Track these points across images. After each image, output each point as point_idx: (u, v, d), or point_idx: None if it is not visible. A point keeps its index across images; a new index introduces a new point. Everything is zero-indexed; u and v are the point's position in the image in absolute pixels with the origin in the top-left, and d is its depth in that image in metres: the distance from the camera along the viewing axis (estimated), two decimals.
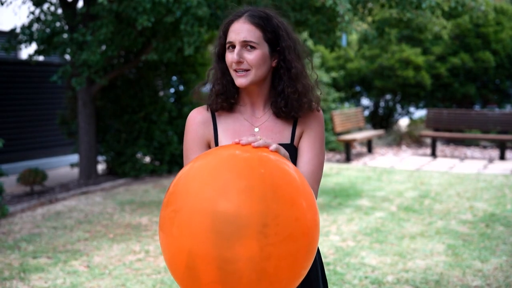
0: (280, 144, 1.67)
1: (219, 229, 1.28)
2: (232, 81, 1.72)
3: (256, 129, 1.74)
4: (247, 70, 1.67)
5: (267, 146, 1.47)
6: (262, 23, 1.68)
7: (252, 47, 1.66)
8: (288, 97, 1.71)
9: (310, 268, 1.75)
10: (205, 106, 1.78)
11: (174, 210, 1.35)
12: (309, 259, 1.39)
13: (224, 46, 1.71)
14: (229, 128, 1.73)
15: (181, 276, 1.36)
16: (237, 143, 1.46)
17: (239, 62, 1.66)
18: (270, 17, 1.70)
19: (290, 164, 1.45)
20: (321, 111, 1.80)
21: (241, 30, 1.66)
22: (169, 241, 1.36)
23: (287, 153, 1.54)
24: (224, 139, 1.72)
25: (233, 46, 1.67)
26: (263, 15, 1.70)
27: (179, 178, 1.41)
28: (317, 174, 1.72)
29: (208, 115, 1.77)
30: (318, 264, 1.81)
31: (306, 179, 1.67)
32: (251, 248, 1.27)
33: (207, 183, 1.33)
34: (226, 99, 1.73)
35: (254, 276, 1.29)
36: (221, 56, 1.74)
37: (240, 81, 1.68)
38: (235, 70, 1.68)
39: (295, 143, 1.75)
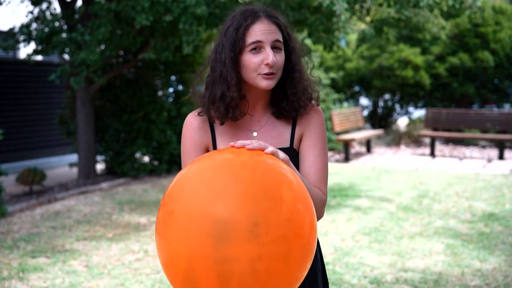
0: (280, 149, 1.61)
1: (211, 231, 1.27)
2: (240, 88, 1.61)
3: (255, 134, 1.69)
4: (273, 73, 1.58)
5: (262, 149, 1.43)
6: (281, 23, 1.61)
7: (279, 49, 1.59)
8: (288, 98, 1.66)
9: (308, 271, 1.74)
10: (199, 110, 1.70)
11: (168, 212, 1.34)
12: (305, 261, 1.36)
13: (241, 50, 1.57)
14: (227, 133, 1.68)
15: (177, 279, 1.35)
16: (232, 147, 1.44)
17: (273, 65, 1.56)
18: (280, 17, 1.64)
19: (287, 168, 1.43)
20: (319, 109, 1.73)
21: (270, 30, 1.56)
22: (163, 244, 1.35)
23: (286, 157, 1.50)
24: (222, 144, 1.68)
25: (259, 48, 1.56)
26: (277, 14, 1.62)
27: (175, 181, 1.41)
28: (322, 175, 1.68)
29: (205, 119, 1.70)
30: (318, 265, 1.80)
31: (311, 181, 1.65)
32: (242, 248, 1.26)
33: (201, 186, 1.33)
34: (236, 111, 1.62)
35: (247, 277, 1.27)
36: (236, 62, 1.59)
37: (269, 83, 1.58)
38: (262, 73, 1.57)
39: (295, 146, 1.70)
